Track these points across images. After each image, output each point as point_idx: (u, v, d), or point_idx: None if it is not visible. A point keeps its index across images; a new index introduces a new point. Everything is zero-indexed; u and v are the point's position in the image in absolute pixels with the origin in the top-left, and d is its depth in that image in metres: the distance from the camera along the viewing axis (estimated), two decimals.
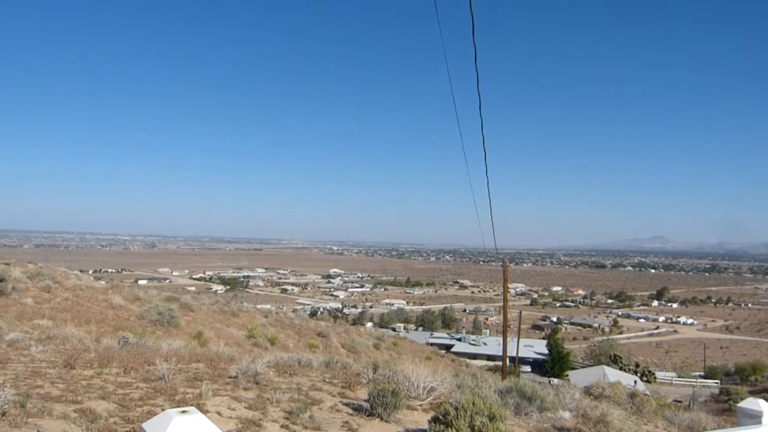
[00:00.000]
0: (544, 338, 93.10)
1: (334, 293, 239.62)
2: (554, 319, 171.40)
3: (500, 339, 64.80)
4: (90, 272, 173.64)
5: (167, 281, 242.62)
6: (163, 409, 8.06)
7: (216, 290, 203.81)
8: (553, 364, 62.42)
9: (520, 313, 63.49)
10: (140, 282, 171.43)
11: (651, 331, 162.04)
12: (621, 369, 51.01)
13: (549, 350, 66.59)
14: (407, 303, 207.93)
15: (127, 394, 8.78)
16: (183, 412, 4.33)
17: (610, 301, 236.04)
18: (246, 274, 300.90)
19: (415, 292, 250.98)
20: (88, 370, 10.26)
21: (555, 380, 46.14)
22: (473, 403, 7.99)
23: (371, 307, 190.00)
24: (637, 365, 57.62)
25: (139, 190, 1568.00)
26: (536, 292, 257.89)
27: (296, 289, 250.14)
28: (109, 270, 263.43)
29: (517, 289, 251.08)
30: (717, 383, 54.80)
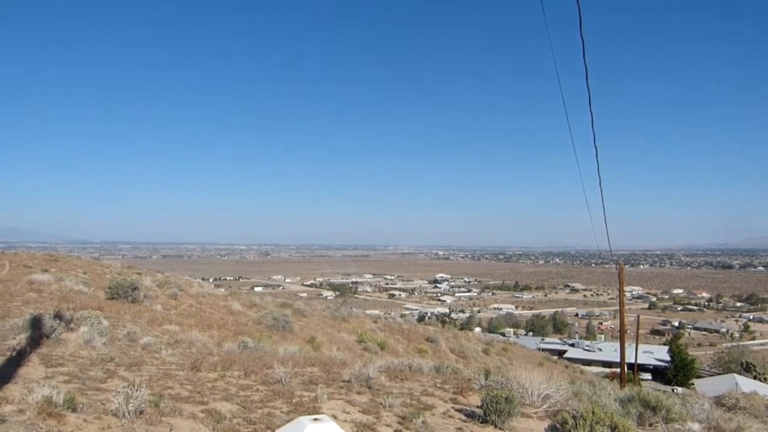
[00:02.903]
0: (664, 344, 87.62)
1: (441, 298, 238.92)
2: (675, 324, 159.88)
3: (616, 344, 61.42)
4: (211, 280, 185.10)
5: (280, 288, 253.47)
6: (282, 412, 8.36)
7: (326, 296, 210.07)
8: (676, 372, 58.49)
9: (638, 317, 59.77)
10: (256, 289, 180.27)
11: None
12: (755, 378, 46.58)
13: (671, 357, 62.47)
14: (516, 307, 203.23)
15: (248, 396, 9.20)
16: (315, 419, 4.21)
17: (739, 304, 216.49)
18: (354, 279, 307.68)
19: (524, 297, 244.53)
20: (212, 373, 10.88)
21: (679, 389, 43.08)
22: (593, 412, 7.59)
23: (479, 311, 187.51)
24: None
25: (254, 203, 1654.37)
26: (655, 295, 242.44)
27: (403, 294, 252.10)
28: (228, 278, 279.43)
29: (634, 293, 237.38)
30: None
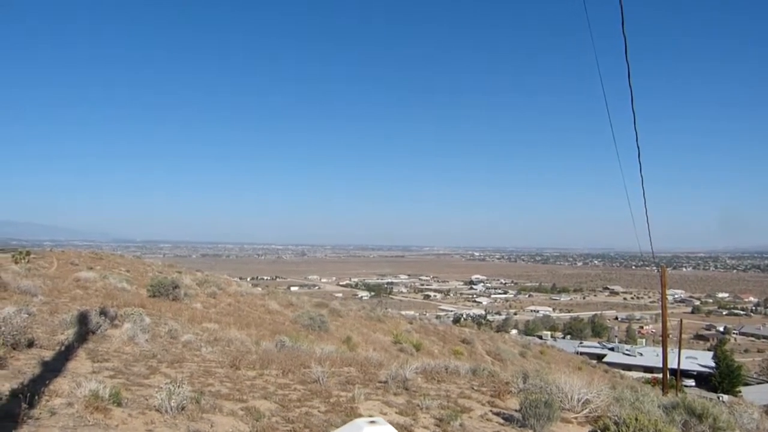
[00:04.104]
0: (709, 349, 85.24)
1: (477, 299, 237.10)
2: (720, 329, 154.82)
3: (658, 349, 59.93)
4: (248, 279, 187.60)
5: (316, 287, 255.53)
6: (320, 411, 8.43)
7: (361, 296, 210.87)
8: (722, 379, 56.80)
9: (681, 321, 58.01)
10: (292, 288, 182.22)
11: None
12: None
13: (716, 363, 60.70)
14: (553, 310, 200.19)
15: (286, 395, 9.30)
16: (372, 422, 4.17)
17: None
18: (389, 280, 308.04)
19: (562, 299, 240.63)
20: (251, 371, 11.04)
21: (725, 397, 41.78)
22: (636, 419, 7.41)
23: (515, 313, 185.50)
24: None
25: (290, 203, 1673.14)
26: (698, 298, 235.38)
27: (439, 296, 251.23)
28: (265, 277, 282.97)
29: (676, 296, 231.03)
30: None
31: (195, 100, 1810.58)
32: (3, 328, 9.54)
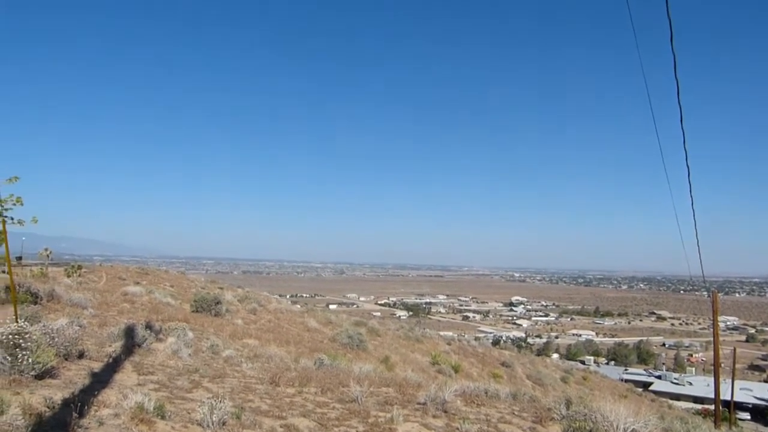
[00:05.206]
0: (765, 381, 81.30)
1: (517, 322, 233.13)
2: None
3: (709, 379, 57.60)
4: (287, 297, 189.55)
5: (354, 306, 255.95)
6: (358, 431, 8.43)
7: (399, 316, 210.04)
8: None
9: (734, 350, 55.65)
10: (331, 306, 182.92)
11: None
12: None
13: None
14: (596, 334, 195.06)
15: (325, 413, 9.34)
16: None
17: None
18: (428, 300, 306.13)
19: (605, 323, 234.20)
20: (290, 388, 11.13)
21: None
22: None
23: (557, 337, 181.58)
24: None
25: (330, 222, 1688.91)
26: (753, 326, 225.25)
27: (478, 317, 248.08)
28: (304, 295, 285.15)
29: (729, 323, 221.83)
30: None
31: (241, 124, 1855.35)
32: (56, 339, 9.92)
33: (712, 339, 28.27)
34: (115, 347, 12.22)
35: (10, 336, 8.25)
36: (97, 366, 10.26)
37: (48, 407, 6.81)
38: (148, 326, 14.90)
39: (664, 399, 53.15)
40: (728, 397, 39.05)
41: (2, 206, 9.31)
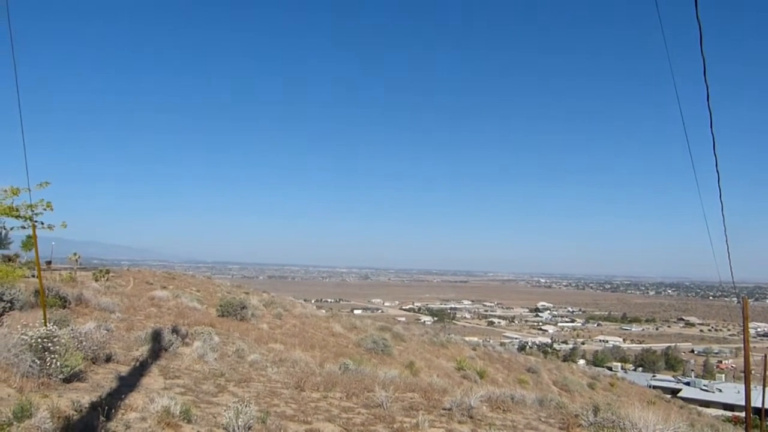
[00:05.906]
0: None
1: (543, 327, 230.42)
2: None
3: (739, 386, 56.16)
4: (312, 301, 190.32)
5: (379, 311, 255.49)
6: None
7: (424, 321, 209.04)
8: None
9: (765, 357, 54.04)
10: (356, 311, 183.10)
11: None
12: None
13: None
14: (624, 340, 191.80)
15: (350, 418, 9.27)
16: None
17: None
18: (453, 305, 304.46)
19: (633, 329, 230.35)
20: (315, 393, 11.09)
21: None
22: None
23: (583, 343, 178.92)
24: None
25: (354, 227, 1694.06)
26: None
27: (503, 322, 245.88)
28: (329, 300, 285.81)
29: (759, 329, 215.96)
30: None
31: (269, 131, 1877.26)
32: (84, 343, 10.03)
33: (742, 345, 27.55)
34: (142, 351, 12.32)
35: (39, 339, 8.35)
36: (124, 370, 10.35)
37: (75, 410, 6.86)
38: (175, 330, 15.02)
39: (693, 406, 51.94)
40: (759, 405, 37.96)
41: (33, 211, 9.47)
